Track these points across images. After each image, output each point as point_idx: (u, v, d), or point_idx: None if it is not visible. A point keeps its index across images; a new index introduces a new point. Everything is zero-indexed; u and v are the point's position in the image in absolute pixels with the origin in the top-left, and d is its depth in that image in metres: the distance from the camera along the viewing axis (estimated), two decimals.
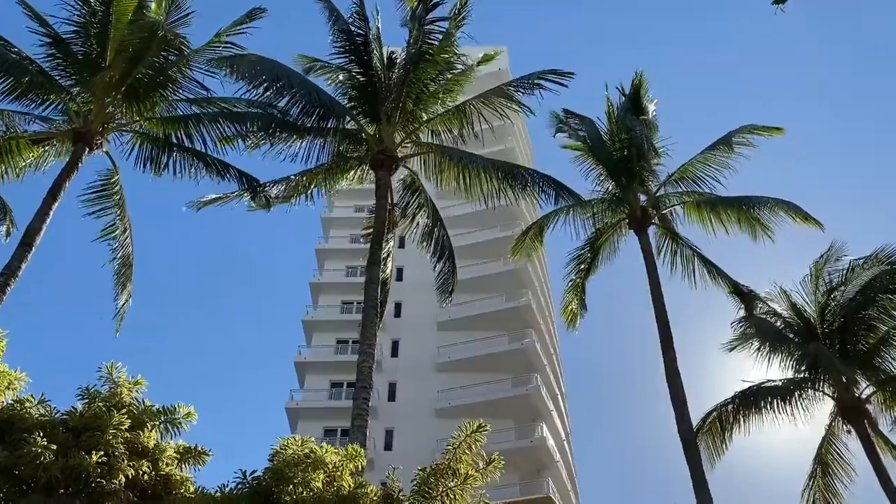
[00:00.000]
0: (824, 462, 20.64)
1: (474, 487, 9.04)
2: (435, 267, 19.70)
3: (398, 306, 50.42)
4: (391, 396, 46.61)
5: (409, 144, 18.69)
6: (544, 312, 51.56)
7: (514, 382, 45.78)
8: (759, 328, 20.00)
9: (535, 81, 17.83)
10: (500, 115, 18.44)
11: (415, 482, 8.64)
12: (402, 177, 19.54)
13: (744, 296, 20.13)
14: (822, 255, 20.75)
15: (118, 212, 16.23)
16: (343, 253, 52.10)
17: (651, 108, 21.72)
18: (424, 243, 19.35)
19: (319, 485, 8.24)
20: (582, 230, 20.80)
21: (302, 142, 17.40)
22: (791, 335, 20.77)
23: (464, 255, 50.64)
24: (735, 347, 21.29)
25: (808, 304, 21.12)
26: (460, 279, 54.79)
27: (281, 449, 8.56)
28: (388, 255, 19.15)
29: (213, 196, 18.28)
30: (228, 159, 17.94)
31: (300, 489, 8.16)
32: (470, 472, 8.76)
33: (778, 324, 21.18)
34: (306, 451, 8.57)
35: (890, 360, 20.28)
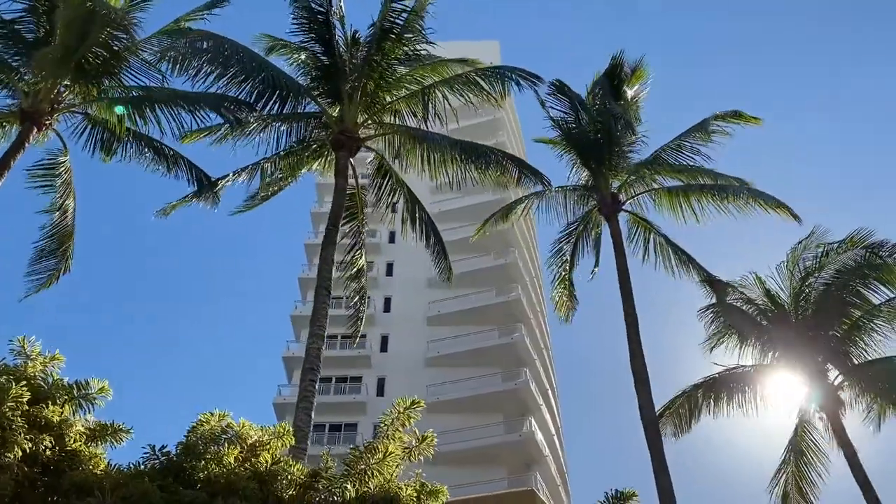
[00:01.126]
0: (798, 450, 20.40)
1: (408, 464, 8.85)
2: (427, 246, 19.31)
3: (388, 301, 50.42)
4: (380, 391, 46.49)
5: (372, 126, 18.42)
6: (535, 307, 51.36)
7: (503, 377, 45.65)
8: (730, 316, 19.73)
9: (505, 74, 17.77)
10: (466, 101, 18.26)
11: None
12: (370, 160, 19.27)
13: (714, 284, 19.90)
14: (800, 241, 20.43)
15: (64, 190, 16.14)
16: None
17: (632, 92, 21.13)
18: (405, 226, 19.00)
19: (232, 461, 8.01)
20: (560, 219, 20.57)
21: (264, 127, 17.18)
22: (765, 322, 20.52)
23: (454, 249, 50.60)
24: (714, 346, 21.07)
25: (782, 290, 20.84)
26: (458, 273, 54.89)
27: (198, 424, 8.34)
28: (359, 245, 18.90)
29: (177, 200, 18.05)
30: (193, 156, 17.79)
31: (212, 465, 7.93)
32: (391, 449, 8.52)
33: (752, 311, 20.92)
34: (224, 425, 8.35)
35: (863, 346, 20.03)
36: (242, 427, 8.47)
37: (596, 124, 19.59)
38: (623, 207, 19.91)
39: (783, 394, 20.71)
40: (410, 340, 47.69)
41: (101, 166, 17.63)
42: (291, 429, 8.56)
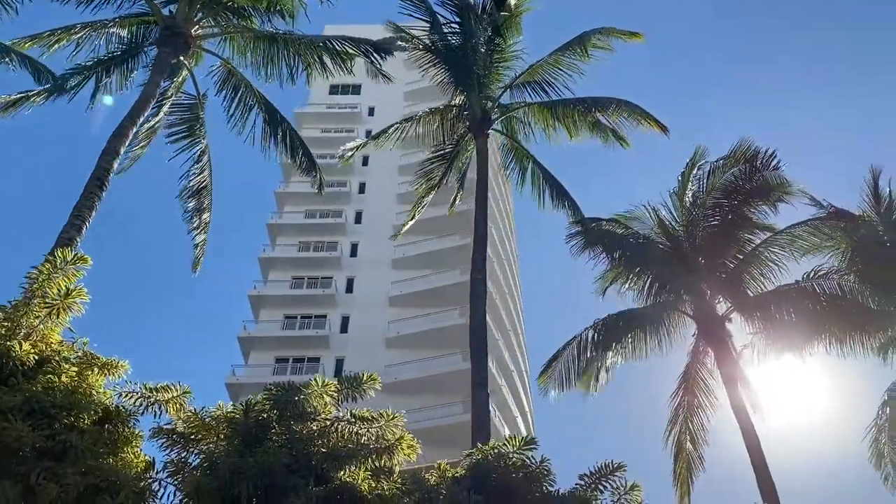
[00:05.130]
0: (690, 392, 18.87)
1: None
2: (293, 160, 18.04)
3: (350, 282, 49.48)
4: (338, 372, 45.45)
5: (212, 26, 17.30)
6: (501, 287, 49.96)
7: (463, 356, 44.39)
8: (609, 245, 18.27)
9: None
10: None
11: None
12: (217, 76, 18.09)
13: (584, 224, 18.46)
14: (687, 163, 18.92)
15: None
16: (295, 229, 51.34)
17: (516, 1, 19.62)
18: (266, 143, 17.77)
19: None
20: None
21: (92, 30, 16.20)
22: (657, 256, 19.01)
23: (420, 230, 49.78)
24: (606, 288, 19.65)
25: (675, 220, 19.34)
26: (414, 255, 54.16)
27: None
28: (195, 160, 17.60)
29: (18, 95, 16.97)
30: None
31: None
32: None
33: (644, 244, 19.43)
34: None
35: (757, 277, 18.50)
36: None
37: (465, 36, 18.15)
38: (493, 126, 18.58)
39: (679, 333, 19.16)
40: (371, 321, 46.68)
41: None
42: None
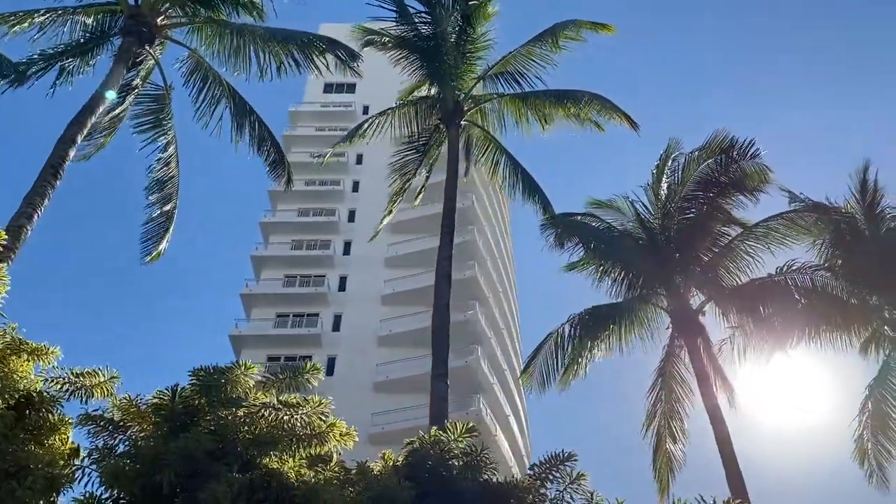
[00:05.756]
0: (667, 386, 18.64)
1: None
2: (259, 152, 17.79)
3: (343, 280, 49.34)
4: (330, 371, 45.33)
5: (178, 16, 17.13)
6: (495, 286, 49.80)
7: (456, 355, 44.15)
8: (584, 237, 18.05)
9: None
10: None
11: None
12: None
13: (554, 219, 18.26)
14: (661, 155, 18.69)
15: None
16: (288, 227, 51.27)
17: None
18: (237, 135, 17.55)
19: None
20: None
21: (56, 16, 16.03)
22: (631, 248, 18.79)
23: (413, 228, 49.80)
24: (574, 268, 19.39)
25: (650, 212, 19.10)
26: (407, 253, 54.07)
27: None
28: (162, 151, 17.37)
29: None
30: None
31: None
32: None
33: (621, 237, 19.21)
34: None
35: (732, 270, 18.26)
36: None
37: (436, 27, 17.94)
38: (466, 117, 18.42)
39: (655, 326, 18.93)
40: (364, 320, 46.56)
41: None
42: None
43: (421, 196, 20.92)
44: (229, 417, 7.87)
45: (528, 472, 10.19)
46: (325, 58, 16.69)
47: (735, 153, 17.70)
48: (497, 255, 52.33)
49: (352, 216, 51.73)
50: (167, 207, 17.13)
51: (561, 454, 10.18)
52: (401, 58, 18.54)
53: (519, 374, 19.67)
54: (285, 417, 7.88)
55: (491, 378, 44.21)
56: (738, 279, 18.25)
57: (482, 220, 51.20)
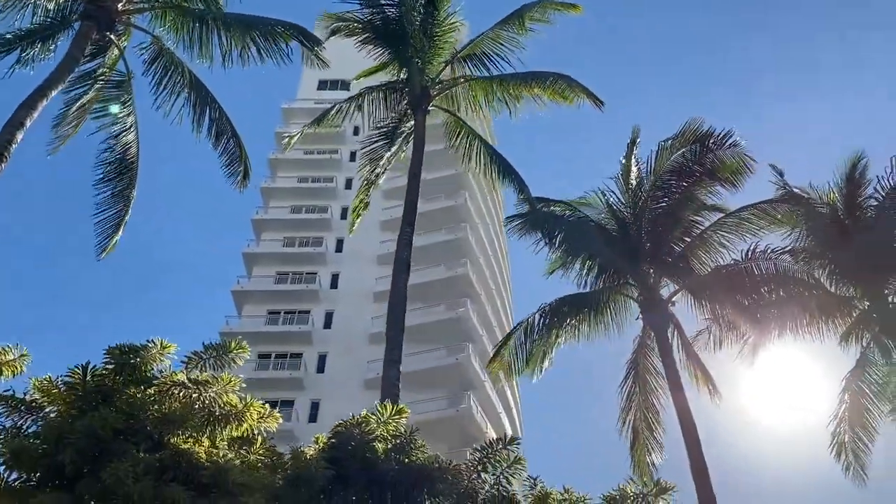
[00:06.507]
0: (641, 377, 18.37)
1: None
2: (215, 146, 17.49)
3: (335, 277, 49.16)
4: (320, 368, 45.20)
5: (139, 1, 16.89)
6: (487, 284, 49.55)
7: (448, 352, 44.03)
8: (550, 229, 17.78)
9: None
10: None
11: None
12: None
13: (532, 203, 18.02)
14: (627, 145, 18.43)
15: None
16: (280, 224, 51.18)
17: None
18: (196, 126, 17.25)
19: None
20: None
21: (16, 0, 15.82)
22: (600, 238, 18.52)
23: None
24: (553, 271, 19.20)
25: (622, 202, 18.83)
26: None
27: None
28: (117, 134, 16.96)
29: None
30: None
31: None
32: None
33: (595, 230, 18.94)
34: None
35: (705, 261, 17.99)
36: None
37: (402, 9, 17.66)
38: (434, 102, 18.20)
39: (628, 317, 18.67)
40: (355, 317, 46.33)
41: None
42: None
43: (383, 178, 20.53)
44: (139, 396, 7.68)
45: (469, 456, 9.97)
46: (289, 45, 16.45)
47: (711, 142, 17.44)
48: (490, 252, 52.07)
49: (344, 213, 51.43)
50: (125, 196, 16.84)
51: (504, 438, 9.98)
52: (367, 42, 18.33)
53: (486, 363, 19.43)
54: (194, 395, 7.68)
55: (482, 375, 43.89)
56: (709, 269, 17.95)
57: (475, 217, 50.93)
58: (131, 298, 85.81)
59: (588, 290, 18.53)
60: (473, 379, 43.31)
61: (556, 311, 18.27)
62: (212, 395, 7.73)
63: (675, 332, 17.67)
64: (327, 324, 47.18)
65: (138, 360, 7.87)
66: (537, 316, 18.65)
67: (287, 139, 21.23)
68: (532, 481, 9.73)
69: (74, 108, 16.93)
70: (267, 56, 16.55)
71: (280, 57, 16.54)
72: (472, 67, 18.42)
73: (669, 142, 17.90)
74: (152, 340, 8.05)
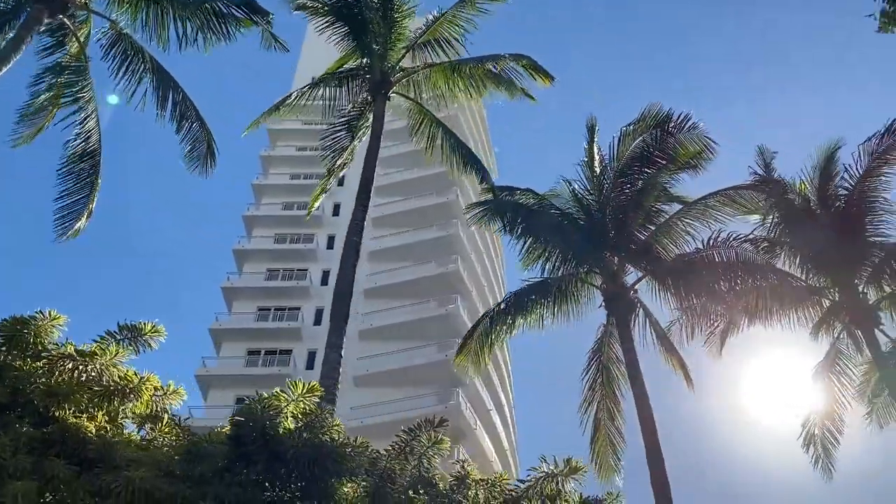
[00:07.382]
0: (604, 368, 18.11)
1: None
2: (178, 131, 17.34)
3: (326, 274, 49.01)
4: (310, 364, 45.06)
5: None
6: (479, 280, 49.38)
7: (438, 349, 43.86)
8: (511, 218, 17.61)
9: None
10: None
11: None
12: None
13: (493, 191, 17.87)
14: (587, 130, 18.19)
15: None
16: (271, 220, 51.18)
17: None
18: (159, 110, 17.12)
19: None
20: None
21: None
22: (561, 226, 18.26)
23: (397, 223, 49.47)
24: (528, 266, 19.01)
25: (588, 190, 18.58)
26: (390, 247, 53.68)
27: None
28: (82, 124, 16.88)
29: None
30: None
31: None
32: None
33: (561, 220, 18.69)
34: None
35: (670, 248, 17.72)
36: None
37: None
38: (393, 88, 18.03)
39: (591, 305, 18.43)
40: None
41: None
42: None
43: (345, 169, 20.38)
44: (25, 369, 7.52)
45: (395, 438, 9.75)
46: (241, 25, 16.32)
47: (671, 126, 17.23)
48: (483, 248, 51.88)
49: (336, 210, 51.41)
50: (89, 182, 16.72)
51: (434, 419, 9.76)
52: (330, 25, 18.16)
53: (453, 357, 19.29)
54: (81, 368, 7.50)
55: (470, 371, 43.68)
56: (674, 256, 17.69)
57: (466, 213, 50.78)
58: (125, 296, 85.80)
59: (551, 276, 18.30)
60: (462, 375, 43.10)
61: (521, 299, 18.11)
62: (99, 367, 7.54)
63: (647, 321, 17.45)
64: (317, 320, 47.07)
65: (27, 332, 7.69)
66: (503, 305, 18.53)
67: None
68: (461, 464, 9.54)
69: (41, 99, 16.85)
70: (213, 36, 16.42)
71: (227, 33, 16.42)
72: (432, 54, 18.24)
73: (631, 127, 17.67)
74: (41, 311, 7.85)
